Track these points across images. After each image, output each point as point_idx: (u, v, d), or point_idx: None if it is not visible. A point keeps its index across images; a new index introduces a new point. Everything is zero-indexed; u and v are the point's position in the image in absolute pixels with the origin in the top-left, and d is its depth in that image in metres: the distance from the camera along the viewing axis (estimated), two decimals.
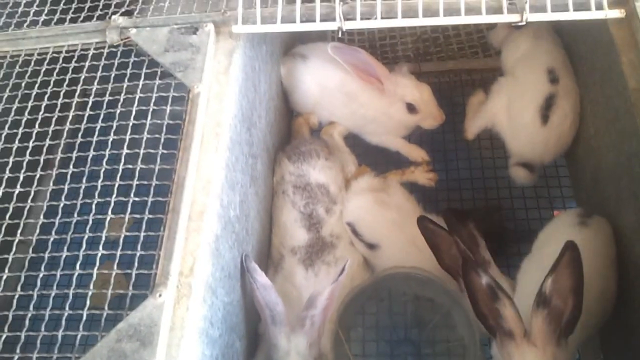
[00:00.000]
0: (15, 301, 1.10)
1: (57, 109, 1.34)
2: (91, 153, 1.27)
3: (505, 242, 1.88)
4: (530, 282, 1.35)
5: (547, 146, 1.72)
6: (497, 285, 1.21)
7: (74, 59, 1.41)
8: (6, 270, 1.14)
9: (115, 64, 1.39)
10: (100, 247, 1.13)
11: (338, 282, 1.38)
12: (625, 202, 1.38)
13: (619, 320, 1.39)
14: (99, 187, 1.21)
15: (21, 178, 1.24)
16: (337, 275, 1.38)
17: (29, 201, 1.20)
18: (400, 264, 1.59)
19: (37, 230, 1.21)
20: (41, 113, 1.33)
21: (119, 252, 1.12)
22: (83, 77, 1.40)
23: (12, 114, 1.34)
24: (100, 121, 1.32)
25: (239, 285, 1.39)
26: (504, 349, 1.19)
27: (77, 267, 1.11)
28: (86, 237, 1.15)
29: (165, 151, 1.23)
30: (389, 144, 1.95)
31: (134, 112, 1.30)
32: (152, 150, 1.23)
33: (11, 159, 1.27)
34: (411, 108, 1.83)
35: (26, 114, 1.33)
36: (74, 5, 1.53)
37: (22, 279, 1.13)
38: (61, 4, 1.53)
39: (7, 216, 1.21)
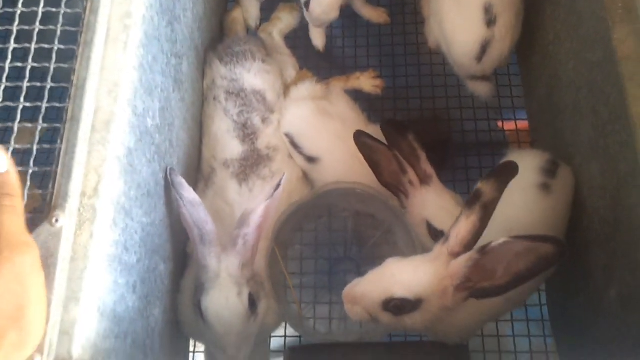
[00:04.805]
0: None
1: None
2: None
3: (452, 154, 1.79)
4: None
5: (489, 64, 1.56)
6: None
7: None
8: None
9: None
10: None
11: (273, 199, 1.25)
12: (583, 115, 1.28)
13: None
14: None
15: None
16: (272, 191, 1.26)
17: None
18: (342, 178, 1.47)
19: None
20: None
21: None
22: None
23: None
24: None
25: (162, 202, 1.24)
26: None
27: None
28: None
29: (62, 46, 1.02)
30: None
31: None
32: (46, 46, 1.01)
33: None
34: None
35: None
36: None
37: None
38: None
39: None
